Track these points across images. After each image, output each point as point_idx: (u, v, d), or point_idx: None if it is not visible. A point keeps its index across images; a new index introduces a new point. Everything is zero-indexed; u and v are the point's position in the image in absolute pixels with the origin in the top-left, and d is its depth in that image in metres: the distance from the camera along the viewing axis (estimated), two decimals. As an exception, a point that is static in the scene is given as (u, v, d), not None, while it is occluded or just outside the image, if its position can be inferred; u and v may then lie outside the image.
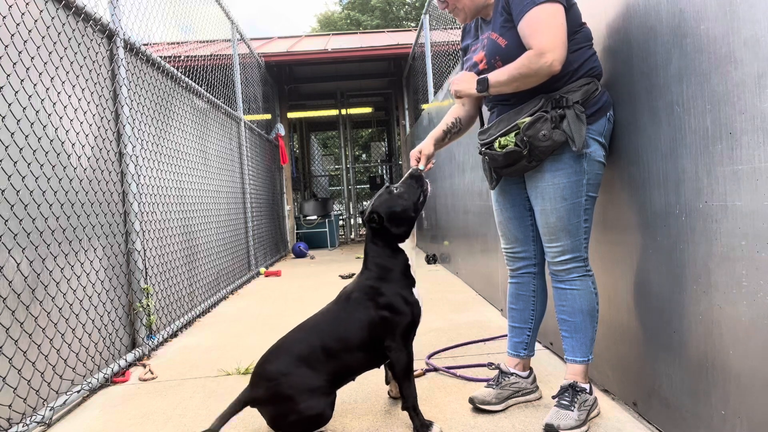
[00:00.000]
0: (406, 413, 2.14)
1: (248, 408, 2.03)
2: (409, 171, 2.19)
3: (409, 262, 2.10)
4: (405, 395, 2.03)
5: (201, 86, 5.14)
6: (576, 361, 2.03)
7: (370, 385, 2.56)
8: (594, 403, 2.03)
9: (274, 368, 1.98)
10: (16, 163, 2.27)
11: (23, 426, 2.15)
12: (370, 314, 2.03)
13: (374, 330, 2.02)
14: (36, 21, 2.49)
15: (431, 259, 7.00)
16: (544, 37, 1.83)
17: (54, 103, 2.60)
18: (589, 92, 1.93)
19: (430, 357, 2.89)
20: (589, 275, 2.02)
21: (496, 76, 1.95)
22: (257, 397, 1.98)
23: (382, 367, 2.26)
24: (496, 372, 2.28)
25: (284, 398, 1.93)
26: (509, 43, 1.94)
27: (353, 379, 2.11)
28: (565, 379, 2.05)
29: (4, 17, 2.27)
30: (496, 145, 2.00)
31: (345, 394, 2.47)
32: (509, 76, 1.91)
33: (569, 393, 1.99)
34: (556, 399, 2.02)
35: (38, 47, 2.50)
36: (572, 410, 1.95)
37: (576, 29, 1.96)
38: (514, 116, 1.98)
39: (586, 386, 2.03)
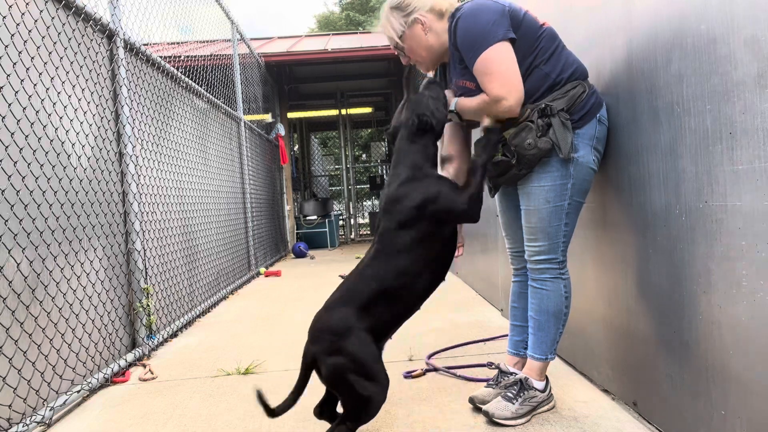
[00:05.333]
0: (405, 413, 2.14)
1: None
2: (426, 80, 2.16)
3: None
4: (482, 178, 1.95)
5: (201, 86, 5.14)
6: (534, 358, 2.10)
7: (370, 385, 2.56)
8: (544, 401, 2.10)
9: (336, 320, 1.83)
10: (16, 163, 2.27)
11: (23, 426, 2.15)
12: (422, 226, 1.89)
13: (429, 232, 1.89)
14: (36, 21, 2.49)
15: (431, 259, 6.98)
16: (496, 83, 1.90)
17: (54, 103, 2.60)
18: (575, 97, 1.94)
19: (430, 357, 2.90)
20: (562, 278, 2.04)
21: (463, 110, 2.06)
22: (318, 351, 1.80)
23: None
24: (496, 372, 2.28)
25: (347, 355, 1.78)
26: (477, 85, 2.00)
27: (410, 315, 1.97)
28: (520, 372, 2.14)
29: (4, 17, 2.27)
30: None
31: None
32: (473, 112, 2.03)
33: (516, 387, 2.08)
34: (504, 390, 2.12)
35: (38, 47, 2.50)
36: (513, 403, 2.04)
37: (537, 36, 1.98)
38: (502, 129, 2.02)
39: (540, 384, 2.09)
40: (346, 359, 1.77)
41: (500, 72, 1.90)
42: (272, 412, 1.81)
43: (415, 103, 2.05)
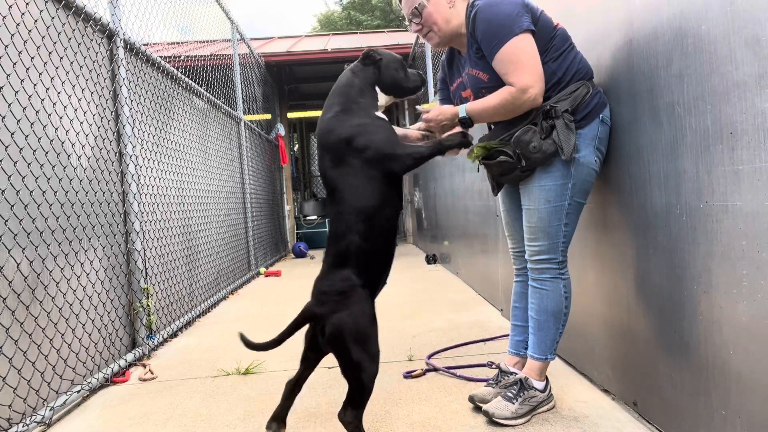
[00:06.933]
0: (405, 413, 2.14)
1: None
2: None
3: (378, 102, 2.07)
4: (442, 151, 1.98)
5: (201, 86, 5.13)
6: (534, 358, 2.10)
7: (371, 385, 2.56)
8: (544, 401, 2.11)
9: (337, 281, 1.87)
10: (16, 163, 2.27)
11: (23, 426, 2.15)
12: (359, 166, 1.89)
13: (372, 173, 1.89)
14: (36, 21, 2.49)
15: (431, 259, 6.99)
16: (523, 73, 1.89)
17: (54, 103, 2.59)
18: (578, 98, 1.95)
19: (430, 357, 2.89)
20: (561, 278, 2.05)
21: (479, 113, 2.01)
22: (325, 312, 1.84)
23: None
24: (496, 371, 2.28)
25: (350, 314, 1.83)
26: (491, 77, 1.99)
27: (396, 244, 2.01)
28: (520, 372, 2.15)
29: (4, 17, 2.27)
30: (475, 152, 2.08)
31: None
32: (494, 111, 1.98)
33: (516, 387, 2.09)
34: (504, 390, 2.12)
35: (38, 47, 2.50)
36: (513, 403, 2.05)
37: (551, 35, 1.98)
38: (508, 126, 2.03)
39: (540, 384, 2.10)
40: (349, 318, 1.82)
41: (527, 61, 1.89)
42: (254, 346, 1.91)
43: (375, 48, 2.13)
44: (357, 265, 1.89)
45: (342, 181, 1.91)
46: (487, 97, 1.98)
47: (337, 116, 1.97)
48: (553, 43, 1.97)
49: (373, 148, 1.88)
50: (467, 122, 2.05)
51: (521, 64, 1.89)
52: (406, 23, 2.20)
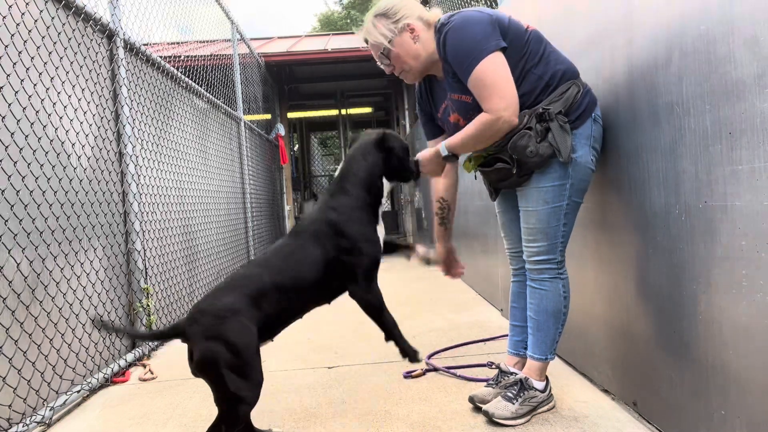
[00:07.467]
0: (405, 413, 2.14)
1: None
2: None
3: (382, 198, 2.03)
4: (385, 329, 1.93)
5: (201, 86, 5.14)
6: (534, 358, 2.11)
7: (370, 385, 2.56)
8: (544, 401, 2.11)
9: (221, 305, 1.68)
10: (16, 163, 2.27)
11: (23, 426, 2.15)
12: (328, 253, 1.85)
13: (332, 269, 1.86)
14: (36, 21, 2.49)
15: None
16: (494, 98, 1.88)
17: (54, 103, 2.60)
18: (570, 98, 1.94)
19: (430, 357, 2.90)
20: (560, 278, 2.05)
21: (460, 146, 2.01)
22: (196, 332, 1.66)
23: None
24: (496, 371, 2.29)
25: (226, 342, 1.63)
26: (473, 98, 1.98)
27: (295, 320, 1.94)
28: (520, 372, 2.15)
29: (4, 17, 2.27)
30: (472, 161, 2.09)
31: (345, 393, 2.47)
32: (474, 140, 1.97)
33: (517, 387, 2.09)
34: (504, 390, 2.12)
35: (38, 47, 2.50)
36: (513, 403, 2.05)
37: (524, 41, 1.97)
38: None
39: (540, 384, 2.10)
40: (223, 346, 1.62)
41: (497, 83, 1.88)
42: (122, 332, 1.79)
43: (389, 133, 2.07)
44: (252, 299, 1.72)
45: (306, 244, 1.87)
46: (465, 128, 1.98)
47: (348, 208, 1.92)
48: (528, 47, 1.97)
49: (352, 259, 1.87)
50: (452, 158, 2.06)
51: (491, 88, 1.88)
52: (378, 64, 2.18)
